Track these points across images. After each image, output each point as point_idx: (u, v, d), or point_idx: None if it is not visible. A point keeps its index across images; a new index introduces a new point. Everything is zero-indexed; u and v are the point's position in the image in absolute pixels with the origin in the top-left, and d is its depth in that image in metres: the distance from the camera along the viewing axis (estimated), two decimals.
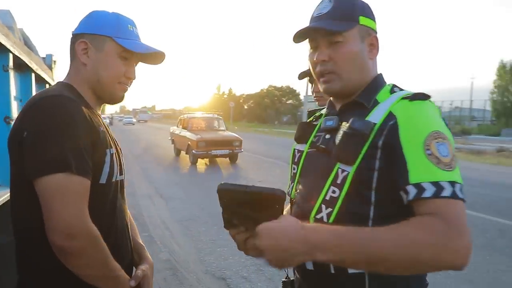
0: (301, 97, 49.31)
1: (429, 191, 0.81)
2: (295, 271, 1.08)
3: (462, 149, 17.89)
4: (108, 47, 1.12)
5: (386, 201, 0.89)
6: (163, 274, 3.62)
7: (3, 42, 1.90)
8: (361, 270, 0.89)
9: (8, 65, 2.09)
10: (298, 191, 1.07)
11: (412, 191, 0.82)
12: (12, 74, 2.13)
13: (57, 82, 1.17)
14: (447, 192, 0.80)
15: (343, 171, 0.92)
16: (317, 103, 1.98)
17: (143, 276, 1.15)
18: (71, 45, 1.15)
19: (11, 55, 2.14)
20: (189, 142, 11.61)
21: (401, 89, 1.02)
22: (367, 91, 1.01)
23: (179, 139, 12.91)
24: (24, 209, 1.02)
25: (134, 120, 54.57)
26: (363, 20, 0.99)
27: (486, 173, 10.73)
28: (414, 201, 0.82)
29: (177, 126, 13.80)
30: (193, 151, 11.26)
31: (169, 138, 14.71)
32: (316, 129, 1.10)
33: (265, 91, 56.10)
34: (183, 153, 12.87)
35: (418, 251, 0.77)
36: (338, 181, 0.92)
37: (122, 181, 1.20)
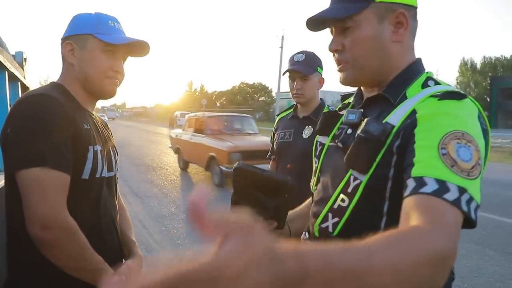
0: (273, 94, 49.66)
1: (430, 186, 0.64)
2: None
3: None
4: (90, 44, 1.18)
5: (399, 210, 0.69)
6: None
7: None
8: None
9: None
10: (316, 188, 1.00)
11: (410, 185, 0.67)
12: None
13: (50, 83, 1.24)
14: (451, 196, 0.62)
15: (355, 179, 0.83)
16: (295, 99, 2.09)
17: (129, 270, 1.17)
18: (61, 49, 1.22)
19: None
20: (213, 153, 7.69)
21: (437, 82, 0.87)
22: (395, 82, 0.88)
23: (190, 147, 8.96)
24: (11, 203, 1.09)
25: (107, 118, 52.93)
26: None
27: None
28: (409, 196, 0.66)
29: (184, 129, 9.74)
30: (221, 166, 7.40)
31: (170, 145, 10.89)
32: (340, 120, 1.00)
33: (237, 88, 55.97)
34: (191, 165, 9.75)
35: (401, 264, 0.52)
36: (349, 190, 0.83)
37: (111, 178, 1.25)
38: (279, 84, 31.82)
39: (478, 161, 0.69)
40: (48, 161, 0.99)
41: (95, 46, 1.18)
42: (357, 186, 0.82)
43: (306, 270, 0.42)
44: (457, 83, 44.14)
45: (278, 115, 2.29)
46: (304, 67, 1.99)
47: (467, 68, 42.98)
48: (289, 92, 2.11)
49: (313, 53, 2.06)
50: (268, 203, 0.87)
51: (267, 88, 55.59)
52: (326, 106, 2.10)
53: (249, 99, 48.49)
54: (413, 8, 0.88)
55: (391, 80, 0.88)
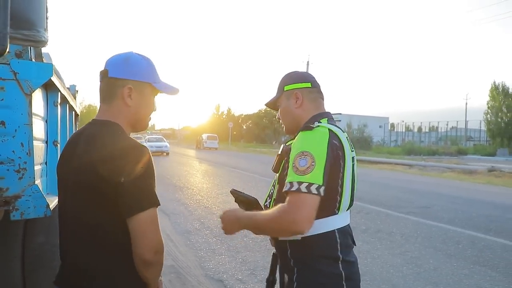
0: None
1: (287, 187, 1.32)
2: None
3: (455, 169, 18.44)
4: (148, 91, 1.38)
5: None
6: (168, 277, 4.14)
7: (56, 84, 2.49)
8: (260, 235, 1.57)
9: (57, 101, 2.69)
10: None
11: (286, 185, 1.32)
12: (59, 108, 2.72)
13: (107, 122, 1.33)
14: (293, 187, 1.29)
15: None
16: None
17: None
18: (109, 85, 1.34)
19: (59, 93, 2.75)
20: None
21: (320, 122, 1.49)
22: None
23: None
24: (108, 231, 1.25)
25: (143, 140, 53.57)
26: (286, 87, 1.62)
27: (474, 192, 11.29)
28: (285, 192, 1.34)
29: None
30: None
31: None
32: None
33: (263, 111, 56.57)
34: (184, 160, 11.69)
35: (271, 223, 1.34)
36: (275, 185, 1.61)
37: None
38: None
39: (313, 164, 1.30)
40: (158, 201, 1.25)
41: (151, 93, 1.39)
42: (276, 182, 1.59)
43: (239, 220, 1.50)
44: (488, 107, 42.90)
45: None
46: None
47: (498, 92, 41.90)
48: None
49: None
50: (247, 207, 1.61)
51: None
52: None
53: (274, 122, 49.02)
54: (306, 88, 1.60)
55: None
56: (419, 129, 59.14)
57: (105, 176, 1.19)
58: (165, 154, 27.48)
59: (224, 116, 67.15)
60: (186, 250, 5.22)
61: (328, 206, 1.37)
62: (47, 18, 1.39)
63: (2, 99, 1.87)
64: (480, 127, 49.15)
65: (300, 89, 1.59)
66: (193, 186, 11.56)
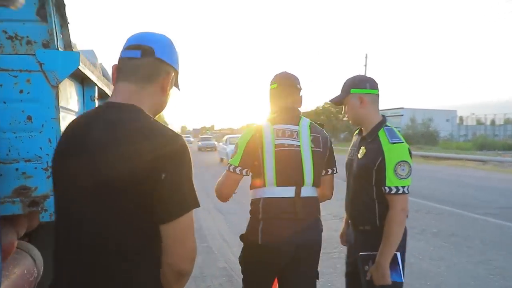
0: None
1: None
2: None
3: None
4: (174, 83, 1.21)
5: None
6: (219, 280, 3.94)
7: (91, 78, 2.38)
8: None
9: (94, 96, 2.59)
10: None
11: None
12: (96, 102, 2.62)
13: (132, 106, 1.07)
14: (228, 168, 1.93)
15: None
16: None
17: None
18: (153, 66, 1.11)
19: (96, 88, 2.64)
20: None
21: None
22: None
23: None
24: (133, 237, 1.01)
25: (192, 139, 55.20)
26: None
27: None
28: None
29: None
30: None
31: None
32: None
33: (321, 108, 55.62)
34: None
35: None
36: None
37: None
38: None
39: (235, 151, 1.92)
40: (198, 201, 1.04)
41: (171, 87, 1.19)
42: None
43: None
44: None
45: (356, 130, 2.29)
46: (335, 96, 2.08)
47: None
48: None
49: (352, 77, 2.06)
50: None
51: None
52: (382, 129, 1.95)
53: (333, 119, 47.80)
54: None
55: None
56: (492, 122, 54.61)
57: (143, 172, 0.95)
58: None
59: None
60: (239, 250, 5.00)
61: (257, 181, 1.93)
62: None
63: (28, 92, 1.75)
64: None
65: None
66: (248, 185, 11.38)
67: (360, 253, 1.95)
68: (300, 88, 2.01)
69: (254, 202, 1.93)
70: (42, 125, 1.75)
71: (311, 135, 1.88)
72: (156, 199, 0.96)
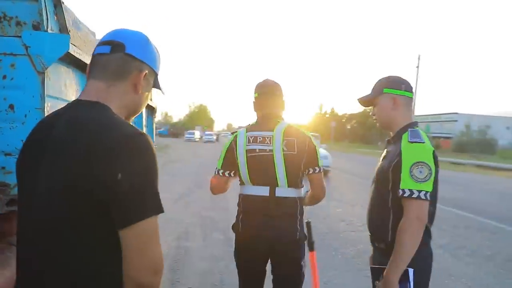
0: None
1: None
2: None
3: None
4: (152, 83, 1.14)
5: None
6: None
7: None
8: None
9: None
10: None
11: None
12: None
13: (97, 104, 1.01)
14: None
15: None
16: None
17: None
18: (122, 63, 1.05)
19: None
20: None
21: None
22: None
23: None
24: (85, 250, 0.94)
25: (215, 137, 55.21)
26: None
27: None
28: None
29: None
30: None
31: None
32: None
33: (368, 110, 53.76)
34: None
35: None
36: None
37: None
38: (413, 106, 29.61)
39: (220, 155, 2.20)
40: (162, 206, 0.95)
41: (151, 85, 1.15)
42: None
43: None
44: None
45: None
46: (365, 95, 1.95)
47: None
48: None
49: (386, 77, 1.90)
50: None
51: None
52: (406, 132, 1.74)
53: None
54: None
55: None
56: None
57: (99, 172, 0.90)
58: None
59: (327, 115, 66.33)
60: None
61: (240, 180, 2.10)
62: None
63: (12, 78, 1.57)
64: None
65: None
66: None
67: (371, 266, 1.84)
68: (280, 95, 2.12)
69: (239, 196, 2.12)
70: (25, 116, 1.58)
71: (284, 140, 1.98)
72: (112, 200, 0.90)
